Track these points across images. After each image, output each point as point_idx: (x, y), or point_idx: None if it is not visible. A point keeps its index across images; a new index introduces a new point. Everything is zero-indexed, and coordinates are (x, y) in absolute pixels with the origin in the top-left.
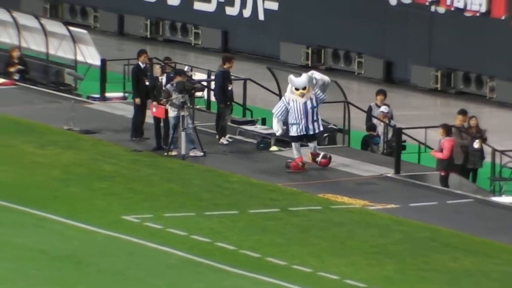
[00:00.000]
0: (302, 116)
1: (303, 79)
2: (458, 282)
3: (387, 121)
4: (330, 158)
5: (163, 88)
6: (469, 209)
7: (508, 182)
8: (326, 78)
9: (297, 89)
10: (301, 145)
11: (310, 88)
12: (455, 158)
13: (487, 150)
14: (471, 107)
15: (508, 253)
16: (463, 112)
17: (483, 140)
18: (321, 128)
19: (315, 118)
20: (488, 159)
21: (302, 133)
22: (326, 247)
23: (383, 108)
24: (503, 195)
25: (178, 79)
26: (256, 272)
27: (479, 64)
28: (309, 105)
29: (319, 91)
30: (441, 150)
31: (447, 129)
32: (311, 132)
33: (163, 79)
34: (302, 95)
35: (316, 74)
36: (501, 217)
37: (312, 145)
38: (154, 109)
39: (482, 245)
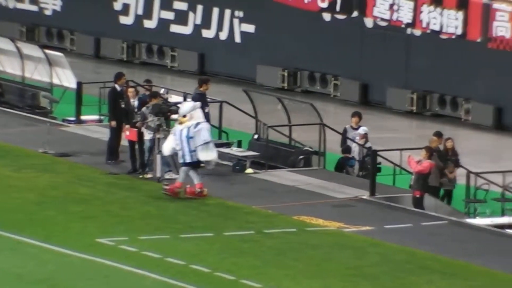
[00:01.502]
0: (179, 143)
1: (185, 106)
2: None
3: (364, 142)
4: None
5: (136, 111)
6: (444, 231)
7: (483, 204)
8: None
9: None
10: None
11: (193, 116)
12: (430, 181)
13: (461, 172)
14: (446, 129)
15: (484, 276)
16: (438, 134)
17: (456, 163)
18: (195, 159)
19: (192, 148)
20: (463, 181)
21: (184, 161)
22: (302, 269)
23: (362, 130)
24: (478, 217)
25: (153, 101)
26: None
27: (454, 86)
28: (184, 134)
29: (202, 129)
30: None
31: (430, 152)
32: (188, 161)
33: (135, 102)
34: (180, 123)
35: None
36: (476, 239)
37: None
38: (127, 132)
39: (457, 268)
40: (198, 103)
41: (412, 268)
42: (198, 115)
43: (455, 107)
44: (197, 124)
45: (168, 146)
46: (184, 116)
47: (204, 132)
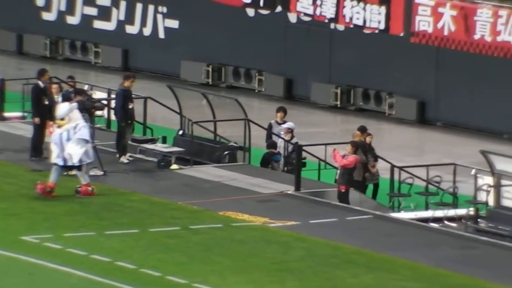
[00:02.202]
0: (59, 147)
1: (62, 109)
2: None
3: (289, 137)
4: (92, 190)
5: None
6: (369, 225)
7: (407, 198)
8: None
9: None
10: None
11: (71, 118)
12: (354, 175)
13: (385, 166)
14: (370, 123)
15: (408, 269)
16: (362, 129)
17: (376, 157)
18: (74, 161)
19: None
20: (387, 175)
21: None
22: (228, 265)
23: (287, 125)
24: (402, 211)
25: (78, 98)
26: None
27: (378, 81)
28: (64, 137)
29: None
30: None
31: (356, 147)
32: (69, 163)
33: (59, 98)
34: (59, 126)
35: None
36: (400, 233)
37: (78, 173)
38: (51, 129)
39: (382, 261)
40: (75, 104)
41: (337, 263)
42: (76, 116)
43: (379, 102)
44: (76, 125)
45: (54, 155)
46: (62, 119)
47: (84, 130)
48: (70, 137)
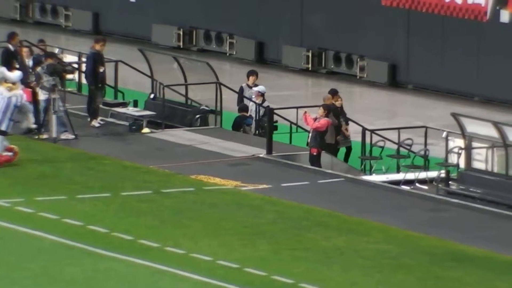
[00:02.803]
0: (2, 109)
1: (16, 74)
2: (330, 261)
3: (261, 101)
4: (14, 154)
5: (30, 71)
6: (341, 188)
7: (379, 161)
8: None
9: (6, 82)
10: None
11: (18, 85)
12: (326, 138)
13: (357, 129)
14: (342, 86)
15: (380, 231)
16: (333, 92)
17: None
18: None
19: (12, 117)
20: (358, 138)
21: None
22: (199, 229)
23: (259, 88)
24: (374, 174)
25: (48, 61)
26: (129, 254)
27: (349, 44)
28: (13, 101)
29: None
30: None
31: (328, 110)
32: (3, 128)
33: (30, 61)
34: (10, 89)
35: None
36: (372, 196)
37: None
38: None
39: (354, 224)
40: (19, 73)
41: (309, 225)
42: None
43: (350, 65)
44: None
45: None
46: (14, 83)
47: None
48: (18, 104)
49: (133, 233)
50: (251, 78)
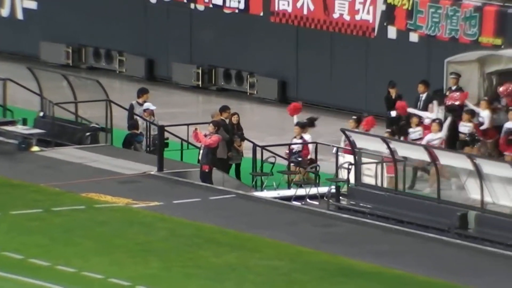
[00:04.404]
0: None
1: None
2: (222, 277)
3: (152, 119)
4: None
5: None
6: (232, 204)
7: (270, 177)
8: None
9: None
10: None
11: None
12: (218, 153)
13: (248, 145)
14: (232, 103)
15: (271, 247)
16: (223, 109)
17: (242, 136)
18: None
19: None
20: (249, 154)
21: None
22: (90, 247)
23: (148, 105)
24: (265, 190)
25: None
26: (19, 273)
27: (239, 61)
28: None
29: None
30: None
31: (218, 127)
32: None
33: None
34: None
35: None
36: (263, 212)
37: None
38: None
39: (245, 240)
40: None
41: (200, 242)
42: None
43: (241, 81)
44: None
45: None
46: None
47: None
48: None
49: (23, 252)
50: (145, 96)
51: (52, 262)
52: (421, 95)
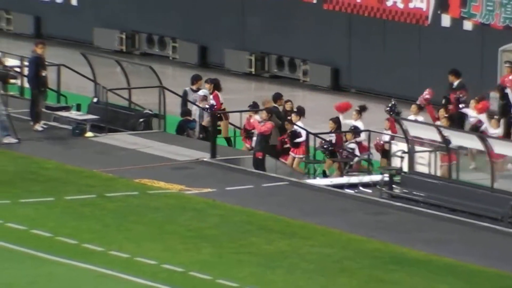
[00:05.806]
0: None
1: None
2: (274, 264)
3: (205, 105)
4: None
5: None
6: (284, 192)
7: (322, 164)
8: None
9: None
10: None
11: None
12: (271, 140)
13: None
14: (285, 90)
15: (323, 235)
16: (278, 97)
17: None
18: None
19: None
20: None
21: None
22: (143, 232)
23: (202, 92)
24: (317, 177)
25: None
26: (72, 258)
27: (292, 47)
28: None
29: None
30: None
31: (271, 114)
32: None
33: None
34: None
35: None
36: (315, 199)
37: None
38: None
39: (297, 227)
40: None
41: (252, 229)
42: None
43: (293, 69)
44: None
45: None
46: None
47: None
48: None
49: (77, 237)
50: (199, 83)
51: (106, 248)
52: (453, 83)
